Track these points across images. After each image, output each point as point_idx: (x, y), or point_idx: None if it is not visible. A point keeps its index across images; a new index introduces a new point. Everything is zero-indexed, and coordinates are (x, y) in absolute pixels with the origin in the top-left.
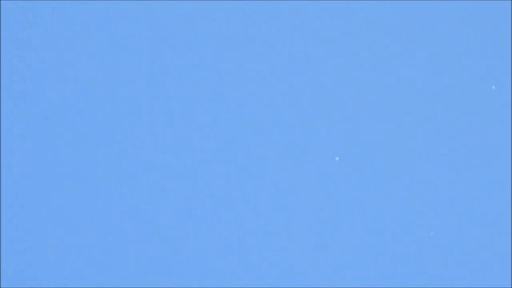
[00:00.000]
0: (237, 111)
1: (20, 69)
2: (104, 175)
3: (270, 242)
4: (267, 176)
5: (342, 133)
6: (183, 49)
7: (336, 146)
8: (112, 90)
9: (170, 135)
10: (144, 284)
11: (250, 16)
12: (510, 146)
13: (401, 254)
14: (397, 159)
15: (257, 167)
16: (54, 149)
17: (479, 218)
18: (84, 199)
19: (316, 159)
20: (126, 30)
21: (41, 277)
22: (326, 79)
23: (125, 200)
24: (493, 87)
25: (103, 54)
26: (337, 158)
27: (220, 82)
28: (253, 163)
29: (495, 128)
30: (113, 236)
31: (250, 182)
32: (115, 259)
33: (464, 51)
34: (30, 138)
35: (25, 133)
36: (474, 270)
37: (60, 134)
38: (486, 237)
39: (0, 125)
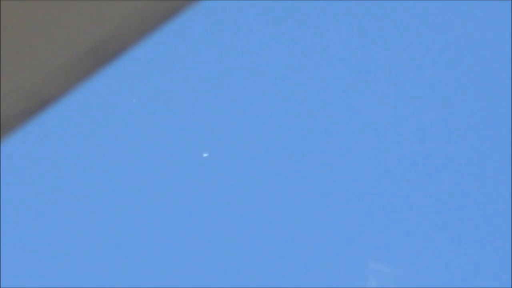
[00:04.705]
0: (236, 114)
1: None
2: (103, 174)
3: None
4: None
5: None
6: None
7: (335, 149)
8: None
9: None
10: (144, 284)
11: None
12: (511, 148)
13: (400, 254)
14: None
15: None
16: (53, 146)
17: (479, 218)
18: (84, 199)
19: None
20: None
21: (41, 277)
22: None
23: (125, 199)
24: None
25: None
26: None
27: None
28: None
29: (495, 129)
30: (113, 236)
31: (249, 184)
32: (115, 259)
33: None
34: (30, 138)
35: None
36: (474, 270)
37: (59, 132)
38: (486, 236)
39: None
